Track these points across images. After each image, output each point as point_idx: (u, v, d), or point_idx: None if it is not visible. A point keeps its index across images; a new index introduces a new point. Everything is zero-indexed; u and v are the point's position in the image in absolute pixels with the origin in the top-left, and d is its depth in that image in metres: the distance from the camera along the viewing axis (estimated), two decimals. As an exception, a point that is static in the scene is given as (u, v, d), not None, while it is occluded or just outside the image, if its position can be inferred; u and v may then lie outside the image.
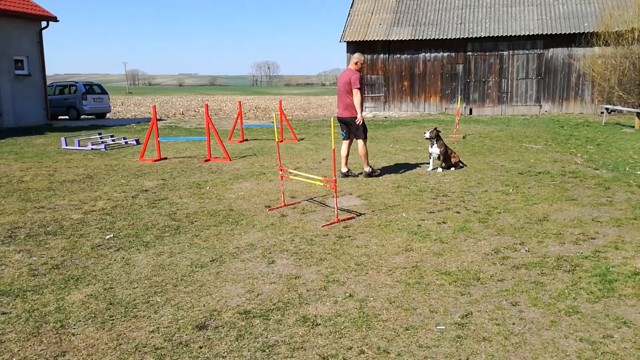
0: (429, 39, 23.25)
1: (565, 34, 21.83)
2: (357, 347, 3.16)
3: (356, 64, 8.13)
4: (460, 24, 23.44)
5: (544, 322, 3.45)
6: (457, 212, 6.21)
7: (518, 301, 3.78)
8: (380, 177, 8.43)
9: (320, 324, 3.46)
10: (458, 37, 22.95)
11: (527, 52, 22.70)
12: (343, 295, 3.91)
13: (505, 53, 22.93)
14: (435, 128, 8.89)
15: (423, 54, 23.83)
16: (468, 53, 23.35)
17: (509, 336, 3.28)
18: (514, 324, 3.44)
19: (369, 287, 4.06)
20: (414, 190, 7.44)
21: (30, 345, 3.23)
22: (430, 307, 3.70)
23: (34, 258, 4.82)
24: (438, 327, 3.40)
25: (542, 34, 22.07)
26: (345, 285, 4.11)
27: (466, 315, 3.56)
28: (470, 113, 23.60)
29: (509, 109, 23.28)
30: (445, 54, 23.59)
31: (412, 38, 23.37)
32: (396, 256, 4.75)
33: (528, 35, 22.21)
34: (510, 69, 23.03)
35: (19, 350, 3.17)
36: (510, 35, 22.40)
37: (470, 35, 22.83)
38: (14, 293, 4.03)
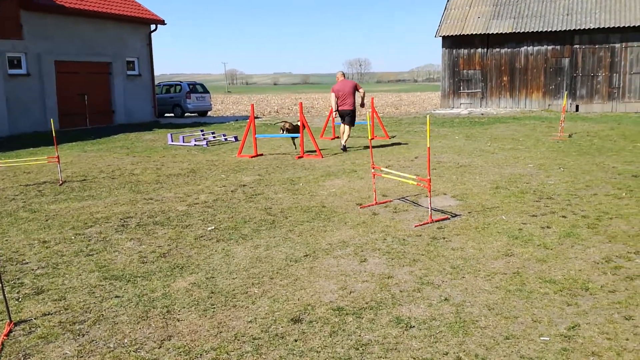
0: (532, 31, 22.03)
1: (690, 22, 19.72)
2: (454, 352, 3.07)
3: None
4: (567, 15, 21.97)
5: (664, 341, 3.14)
6: (563, 217, 5.82)
7: (632, 315, 3.47)
8: (477, 178, 8.12)
9: (414, 327, 3.40)
10: (564, 29, 21.53)
11: (643, 43, 20.77)
12: (438, 299, 3.81)
13: (617, 45, 21.15)
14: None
15: (525, 47, 22.63)
16: (575, 46, 21.84)
17: (621, 352, 3.02)
18: (627, 339, 3.17)
19: (465, 291, 3.93)
20: (514, 192, 7.09)
21: (140, 328, 3.48)
22: (532, 316, 3.50)
23: (143, 246, 5.19)
24: (541, 338, 3.21)
25: (662, 24, 20.09)
26: (440, 288, 4.00)
27: (573, 327, 3.33)
28: (577, 110, 22.07)
29: (621, 105, 21.46)
30: (550, 47, 22.24)
31: (514, 31, 22.27)
32: (495, 261, 4.55)
33: (645, 25, 20.32)
34: (622, 63, 21.22)
35: (130, 332, 3.42)
36: (624, 27, 20.62)
37: (578, 27, 21.32)
38: (126, 278, 4.35)
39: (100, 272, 4.48)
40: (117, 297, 3.98)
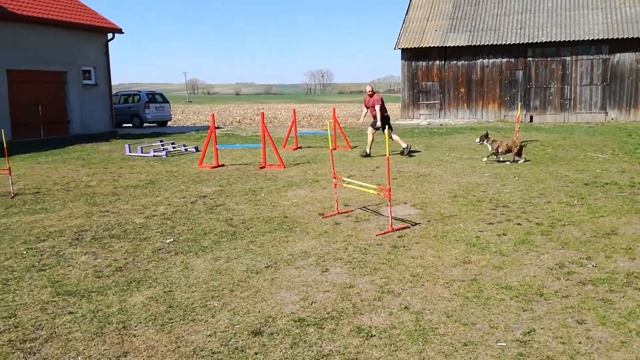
0: (487, 44, 22.72)
1: (632, 38, 20.74)
2: (414, 360, 3.09)
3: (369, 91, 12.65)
4: (520, 29, 22.76)
5: (613, 343, 3.26)
6: (518, 224, 5.99)
7: (585, 319, 3.59)
8: (436, 187, 8.27)
9: (375, 335, 3.41)
10: (518, 42, 22.29)
11: (591, 57, 21.74)
12: (398, 307, 3.84)
13: (568, 58, 22.05)
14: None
15: (480, 60, 23.30)
16: (528, 59, 22.63)
17: (575, 356, 3.11)
18: (580, 343, 3.27)
19: (425, 299, 3.98)
20: (471, 200, 7.24)
21: (94, 345, 3.36)
22: (490, 322, 3.57)
23: (98, 260, 5.03)
24: (498, 344, 3.28)
25: (607, 39, 21.08)
26: (400, 296, 4.04)
27: (528, 333, 3.41)
28: (531, 120, 22.82)
29: (572, 116, 22.34)
30: (504, 60, 22.97)
31: (469, 44, 22.91)
32: (453, 268, 4.63)
33: (592, 39, 21.27)
34: (573, 75, 22.12)
35: (84, 349, 3.31)
36: (574, 40, 21.53)
37: (531, 41, 22.13)
38: (80, 293, 4.21)
39: (53, 288, 4.32)
40: (70, 313, 3.84)
